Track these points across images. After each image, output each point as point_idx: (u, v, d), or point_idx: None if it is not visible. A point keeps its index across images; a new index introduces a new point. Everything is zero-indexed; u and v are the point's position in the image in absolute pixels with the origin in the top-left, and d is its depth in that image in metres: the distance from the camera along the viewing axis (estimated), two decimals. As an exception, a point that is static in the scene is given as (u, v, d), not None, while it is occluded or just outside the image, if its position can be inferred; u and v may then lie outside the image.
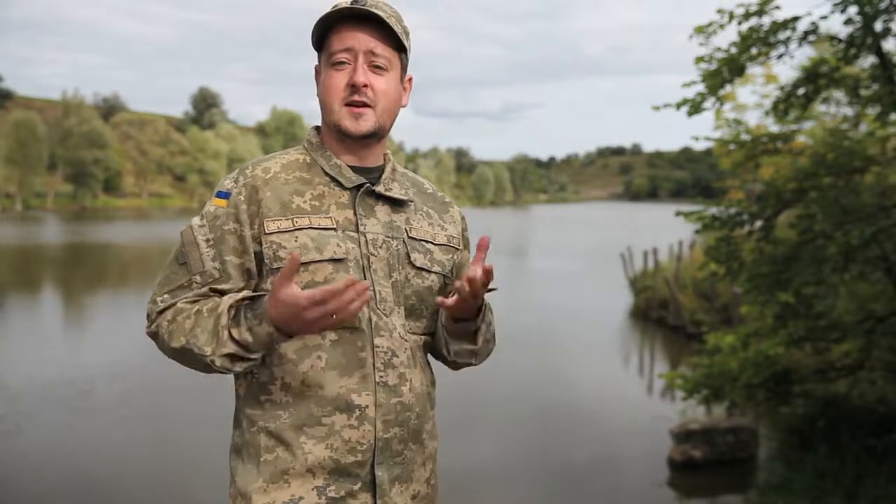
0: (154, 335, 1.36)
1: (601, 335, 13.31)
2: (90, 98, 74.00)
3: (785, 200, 5.84)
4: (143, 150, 69.66)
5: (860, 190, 5.74)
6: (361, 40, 1.38)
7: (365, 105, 1.38)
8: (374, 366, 1.35)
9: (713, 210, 6.12)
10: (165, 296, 1.35)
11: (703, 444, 6.80)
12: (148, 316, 1.37)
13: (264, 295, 1.28)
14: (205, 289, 1.34)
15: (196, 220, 1.39)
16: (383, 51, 1.39)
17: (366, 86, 1.37)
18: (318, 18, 1.40)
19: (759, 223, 5.98)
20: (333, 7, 1.39)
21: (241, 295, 1.30)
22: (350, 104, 1.38)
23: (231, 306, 1.28)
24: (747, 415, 7.62)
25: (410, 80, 1.50)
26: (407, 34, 1.44)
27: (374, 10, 1.37)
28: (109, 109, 75.36)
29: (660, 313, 14.46)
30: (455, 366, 1.55)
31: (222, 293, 1.35)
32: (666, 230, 19.94)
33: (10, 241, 29.65)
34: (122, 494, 5.93)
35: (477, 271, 1.30)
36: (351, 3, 1.37)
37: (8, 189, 55.99)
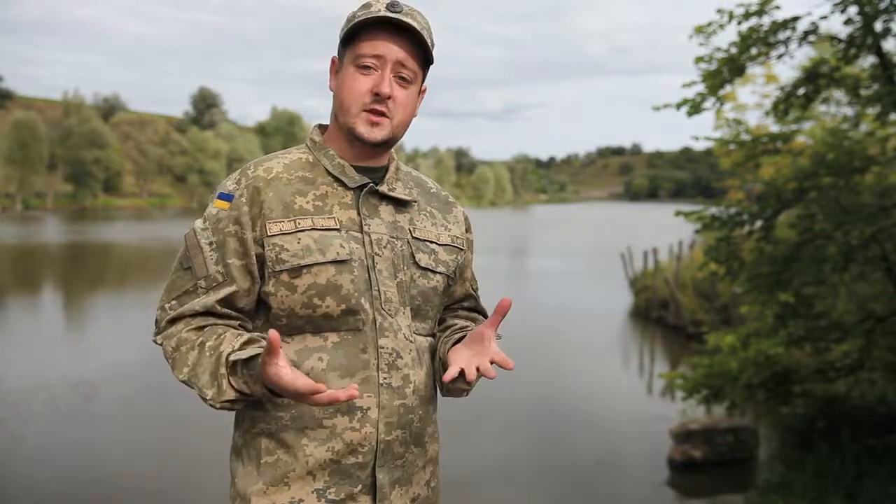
0: (160, 346, 1.35)
1: (601, 335, 13.31)
2: (90, 98, 73.90)
3: (785, 200, 5.84)
4: (143, 150, 69.54)
5: (860, 190, 5.75)
6: (393, 51, 1.36)
7: (384, 116, 1.37)
8: (377, 367, 1.34)
9: (713, 210, 6.13)
10: (173, 302, 1.35)
11: (703, 444, 6.80)
12: (156, 323, 1.36)
13: (261, 350, 1.24)
14: (210, 296, 1.33)
15: (199, 223, 1.38)
16: (412, 64, 1.38)
17: (389, 97, 1.36)
18: (352, 16, 1.37)
19: (759, 223, 5.99)
20: (368, 8, 1.36)
21: (239, 341, 1.27)
22: (370, 111, 1.37)
23: (229, 355, 1.26)
24: (747, 415, 7.62)
25: (424, 90, 1.48)
26: (433, 47, 1.43)
27: (410, 21, 1.35)
28: (109, 109, 75.24)
29: (660, 313, 14.47)
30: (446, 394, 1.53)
31: (229, 304, 1.34)
32: (666, 230, 19.92)
33: (10, 241, 29.63)
34: (123, 496, 5.93)
35: (488, 366, 1.29)
36: (388, 8, 1.34)
37: (8, 189, 55.99)
